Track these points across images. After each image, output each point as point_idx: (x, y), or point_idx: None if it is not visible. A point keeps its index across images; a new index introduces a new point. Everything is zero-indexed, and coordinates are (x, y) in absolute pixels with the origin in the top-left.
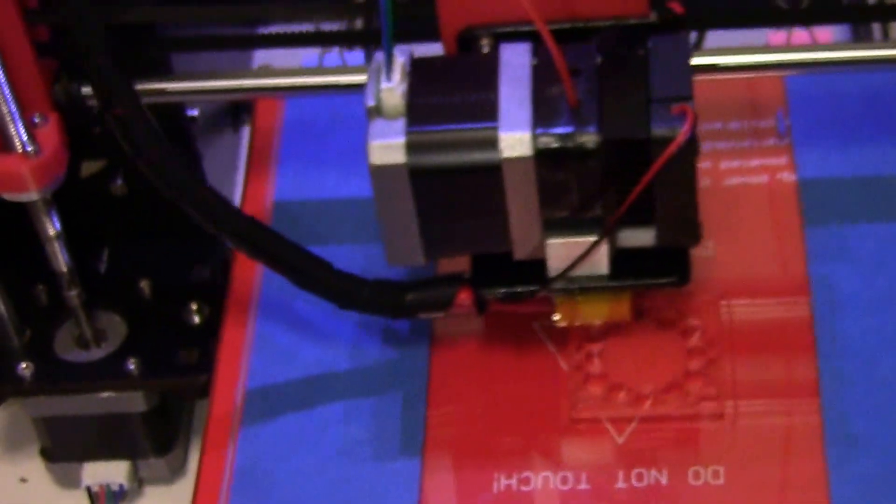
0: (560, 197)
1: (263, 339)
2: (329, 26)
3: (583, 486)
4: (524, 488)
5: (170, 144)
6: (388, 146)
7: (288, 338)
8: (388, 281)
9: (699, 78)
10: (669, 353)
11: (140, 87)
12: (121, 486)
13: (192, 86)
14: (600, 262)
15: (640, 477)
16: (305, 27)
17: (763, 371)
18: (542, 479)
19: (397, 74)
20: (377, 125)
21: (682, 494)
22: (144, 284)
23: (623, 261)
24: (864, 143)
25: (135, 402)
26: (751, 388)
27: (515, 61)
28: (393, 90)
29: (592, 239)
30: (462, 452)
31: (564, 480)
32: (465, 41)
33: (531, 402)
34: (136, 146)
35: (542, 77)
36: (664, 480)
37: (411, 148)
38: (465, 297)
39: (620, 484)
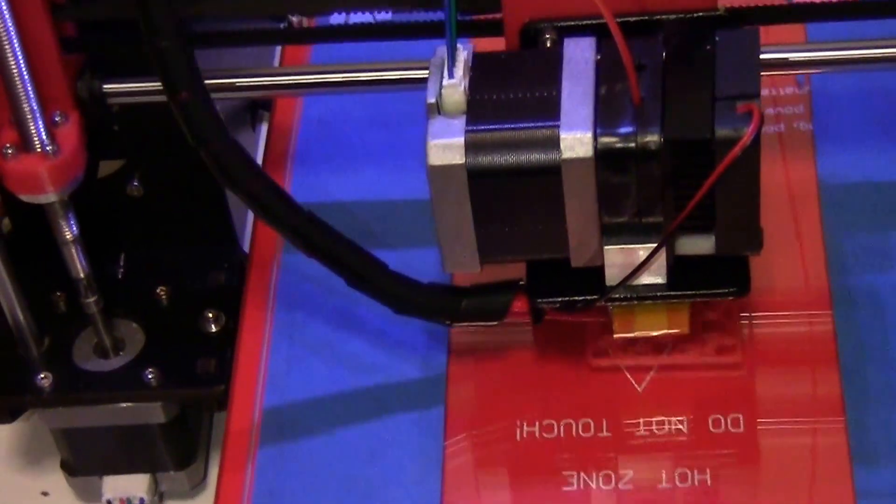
0: (620, 200)
1: (280, 349)
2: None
3: (604, 433)
4: (547, 436)
5: (231, 135)
6: (447, 145)
7: (305, 347)
8: (444, 285)
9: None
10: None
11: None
12: (141, 499)
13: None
14: (659, 270)
15: (660, 425)
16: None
17: (781, 319)
18: (564, 427)
19: (460, 70)
20: (437, 123)
21: (702, 442)
22: (161, 291)
23: (681, 270)
24: (886, 148)
25: (154, 413)
26: (768, 337)
27: (579, 56)
28: (455, 86)
29: (651, 246)
30: (483, 402)
31: (587, 428)
32: (529, 36)
33: (552, 351)
34: (198, 134)
35: (606, 73)
36: (684, 428)
37: (471, 148)
38: (521, 306)
39: (641, 431)
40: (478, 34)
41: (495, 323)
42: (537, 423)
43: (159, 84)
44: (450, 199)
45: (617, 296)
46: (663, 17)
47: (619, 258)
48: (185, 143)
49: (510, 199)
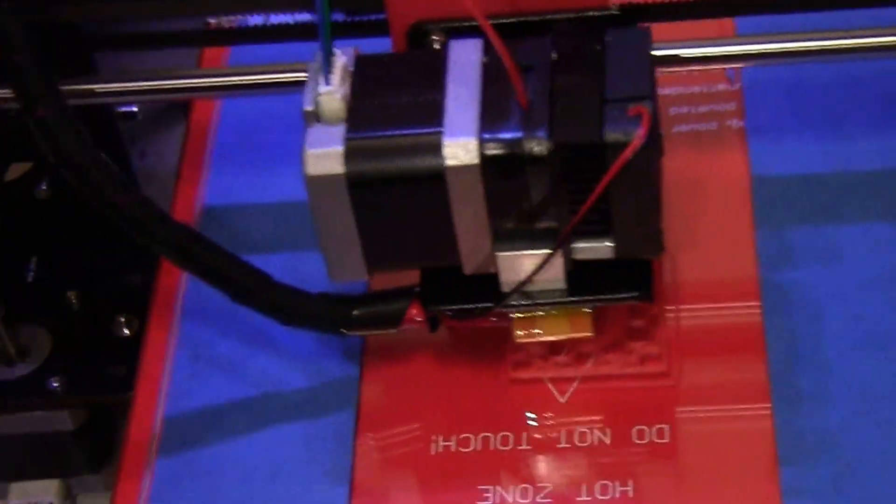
0: (510, 207)
1: (184, 358)
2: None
3: (524, 446)
4: (463, 449)
5: (96, 149)
6: (325, 154)
7: (211, 356)
8: (334, 295)
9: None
10: (612, 311)
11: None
12: (50, 503)
13: (117, 87)
14: (556, 276)
15: (583, 437)
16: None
17: (707, 328)
18: (481, 440)
19: (337, 77)
20: (314, 132)
21: (625, 453)
22: (73, 295)
23: (582, 274)
24: (819, 135)
25: (61, 421)
26: (695, 346)
27: (464, 59)
28: (332, 94)
29: (546, 252)
30: (396, 415)
31: (505, 441)
32: (416, 36)
33: (471, 363)
34: (58, 151)
35: (493, 76)
36: (607, 439)
37: (350, 156)
38: (416, 313)
39: (563, 444)
40: (364, 35)
41: (392, 331)
42: (454, 437)
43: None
44: (331, 209)
45: (514, 303)
46: (554, 16)
47: (513, 264)
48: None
49: (395, 207)
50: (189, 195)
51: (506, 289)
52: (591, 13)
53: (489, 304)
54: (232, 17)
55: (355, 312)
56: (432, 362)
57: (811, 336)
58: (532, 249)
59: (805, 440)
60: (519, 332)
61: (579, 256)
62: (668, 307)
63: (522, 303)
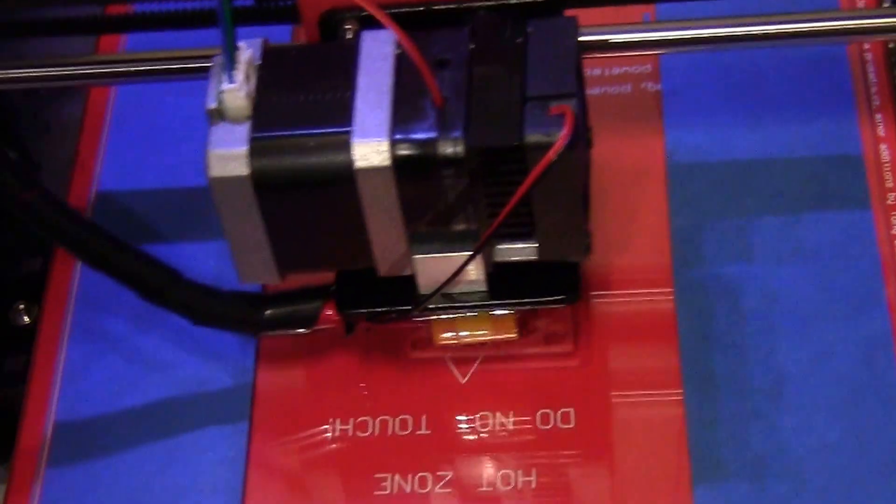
0: (426, 209)
1: (77, 350)
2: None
3: (423, 431)
4: (361, 434)
5: None
6: (229, 155)
7: (105, 346)
8: (246, 294)
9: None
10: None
11: None
12: None
13: (12, 74)
14: (477, 279)
15: (484, 421)
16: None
17: (618, 307)
18: (379, 424)
19: (241, 74)
20: (218, 131)
21: (528, 440)
22: None
23: (505, 275)
24: (734, 113)
25: None
26: (604, 325)
27: (377, 51)
28: (235, 91)
29: (465, 254)
30: (294, 399)
31: (404, 425)
32: (329, 26)
33: (370, 343)
34: None
35: (407, 70)
36: (510, 424)
37: (256, 156)
38: (331, 314)
39: (464, 428)
40: (273, 21)
41: (305, 331)
42: (351, 421)
43: None
44: (237, 211)
45: (432, 306)
46: (473, 4)
47: (430, 267)
48: None
49: (304, 209)
50: (84, 180)
51: (424, 291)
52: (512, 1)
53: (407, 308)
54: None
55: (268, 313)
56: (333, 344)
57: (724, 320)
58: (450, 252)
59: (716, 427)
60: (440, 336)
61: (501, 259)
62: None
63: (442, 305)
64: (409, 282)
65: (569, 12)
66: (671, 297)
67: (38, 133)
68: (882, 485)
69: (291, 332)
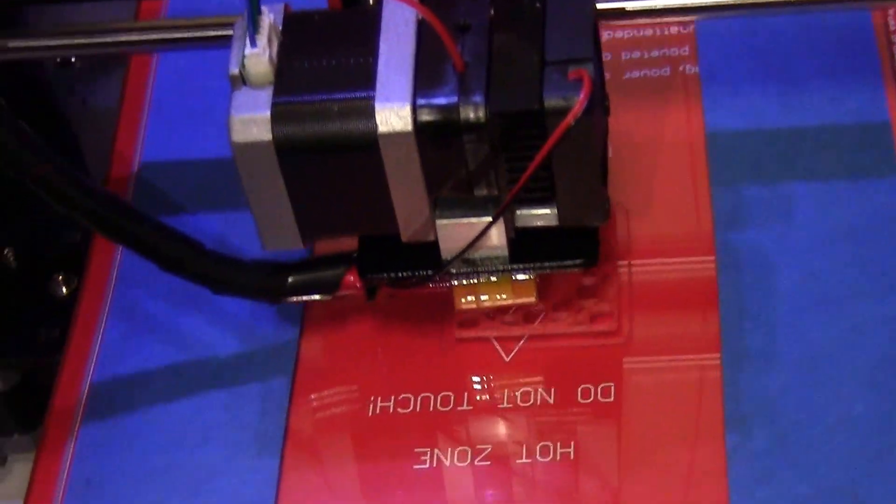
0: (447, 174)
1: (118, 318)
2: None
3: (464, 407)
4: (402, 410)
5: (10, 115)
6: (251, 120)
7: (147, 317)
8: (268, 262)
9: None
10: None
11: None
12: None
13: (41, 43)
14: (498, 244)
15: (525, 396)
16: None
17: (660, 286)
18: (421, 401)
19: (264, 38)
20: (241, 96)
21: (568, 413)
22: (9, 252)
23: (526, 240)
24: (772, 84)
25: None
26: (647, 301)
27: (399, 17)
28: (258, 56)
29: (486, 220)
30: (334, 376)
31: (445, 402)
32: None
33: (416, 322)
34: None
35: (429, 36)
36: (551, 399)
37: (278, 121)
38: (353, 280)
39: (505, 404)
40: None
41: (327, 297)
42: (392, 398)
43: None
44: (260, 176)
45: (454, 271)
46: None
47: (452, 233)
48: (33, 99)
49: (327, 175)
50: (127, 151)
51: (446, 256)
52: None
53: (429, 273)
54: None
55: (290, 280)
56: (377, 322)
57: (763, 293)
58: (472, 217)
59: (750, 399)
60: (461, 300)
61: (522, 224)
62: (620, 262)
63: (464, 270)
64: (431, 247)
65: None
66: (713, 266)
67: (74, 108)
68: None
69: (313, 299)
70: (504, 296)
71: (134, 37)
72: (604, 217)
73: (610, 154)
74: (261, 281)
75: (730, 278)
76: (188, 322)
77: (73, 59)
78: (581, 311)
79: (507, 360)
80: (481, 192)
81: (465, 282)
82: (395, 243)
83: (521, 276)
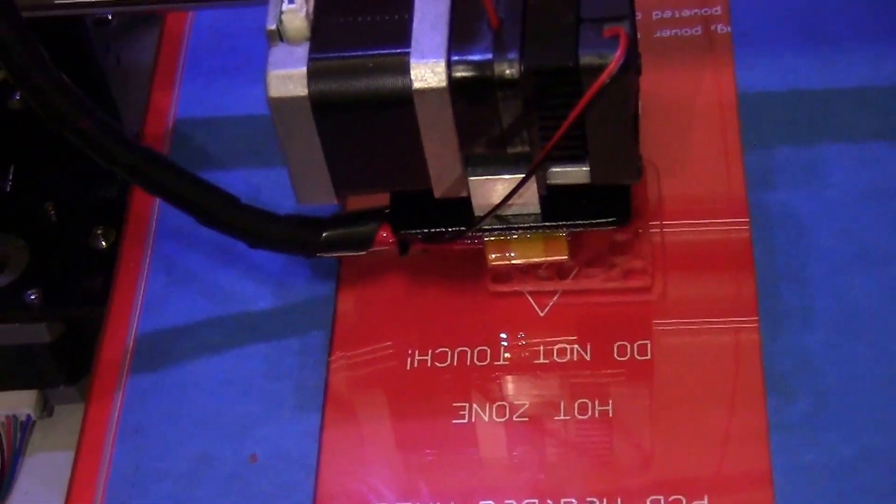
0: (481, 131)
1: (158, 275)
2: None
3: (501, 362)
4: (439, 364)
5: (55, 70)
6: (288, 76)
7: (186, 273)
8: (302, 217)
9: None
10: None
11: None
12: (28, 415)
13: None
14: (530, 201)
15: (562, 352)
16: None
17: (694, 239)
18: (458, 355)
19: None
20: (277, 52)
21: (605, 370)
22: (50, 206)
23: (558, 198)
24: (805, 43)
25: (38, 333)
26: (680, 257)
27: None
28: (295, 12)
29: (519, 176)
30: (372, 330)
31: (482, 356)
32: None
33: (450, 277)
34: (15, 71)
35: None
36: (587, 355)
37: (314, 77)
38: (386, 235)
39: (541, 360)
40: None
41: (361, 252)
42: (430, 352)
43: None
44: (295, 131)
45: (486, 227)
46: None
47: (485, 189)
48: (69, 57)
49: (361, 131)
50: (162, 107)
51: (478, 213)
52: None
53: (461, 228)
54: None
55: (324, 234)
56: (411, 277)
57: (799, 253)
58: (505, 174)
59: (790, 360)
60: (493, 255)
61: (554, 181)
62: (652, 223)
63: (496, 227)
64: (463, 203)
65: None
66: (747, 227)
67: (110, 64)
68: None
69: (347, 254)
70: (536, 253)
71: None
72: (637, 176)
73: (640, 113)
74: (296, 235)
75: (765, 235)
76: (227, 275)
77: (109, 17)
78: (614, 267)
79: (542, 314)
80: (514, 149)
81: (497, 238)
82: (427, 199)
83: (555, 233)
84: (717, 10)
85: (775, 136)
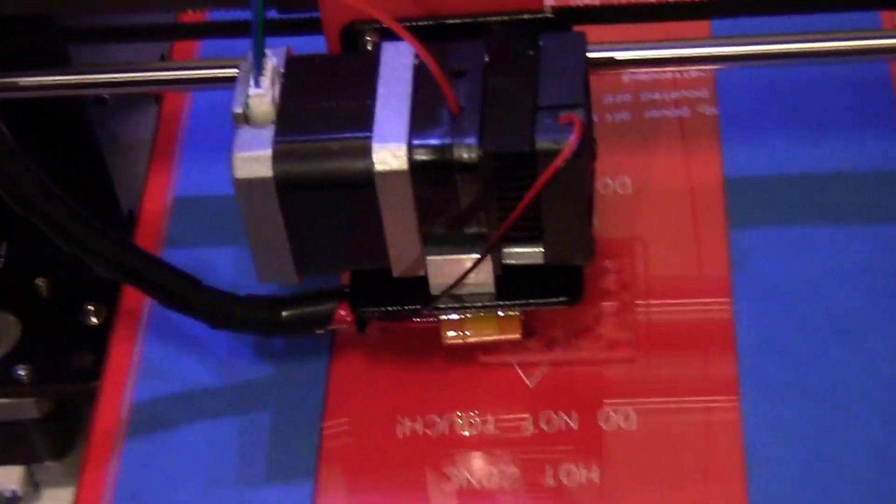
0: (440, 212)
1: (154, 344)
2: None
3: (490, 429)
4: (429, 432)
5: (21, 154)
6: (253, 157)
7: (180, 342)
8: (262, 297)
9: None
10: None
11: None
12: (13, 491)
13: (85, 79)
14: (486, 280)
15: (549, 421)
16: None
17: (678, 315)
18: (447, 423)
19: (267, 79)
20: (243, 134)
21: (592, 438)
22: (41, 282)
23: (512, 277)
24: (790, 135)
25: (27, 409)
26: (665, 332)
27: (396, 62)
28: (262, 96)
29: (475, 257)
30: (364, 398)
31: (472, 424)
32: (350, 37)
33: (439, 347)
34: None
35: (425, 80)
36: (574, 425)
37: (279, 159)
38: (345, 314)
39: (529, 428)
40: (297, 33)
41: (320, 331)
42: (420, 419)
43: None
44: (260, 212)
45: (442, 306)
46: (488, 19)
47: (442, 268)
48: (64, 134)
49: (324, 211)
50: (160, 186)
51: (435, 291)
52: (525, 16)
53: (418, 307)
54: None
55: (284, 314)
56: (402, 348)
57: (781, 331)
58: (462, 254)
59: (773, 434)
60: (448, 334)
61: (509, 262)
62: (638, 301)
63: (451, 305)
64: (421, 282)
65: (577, 28)
66: (729, 308)
67: (105, 144)
68: None
69: (306, 333)
70: (490, 331)
71: (171, 75)
72: (589, 256)
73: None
74: (256, 315)
75: (748, 314)
76: (220, 346)
77: (106, 97)
78: (601, 338)
79: (531, 385)
80: (471, 229)
81: (452, 317)
82: (386, 278)
83: (506, 313)
84: (703, 93)
85: (759, 214)
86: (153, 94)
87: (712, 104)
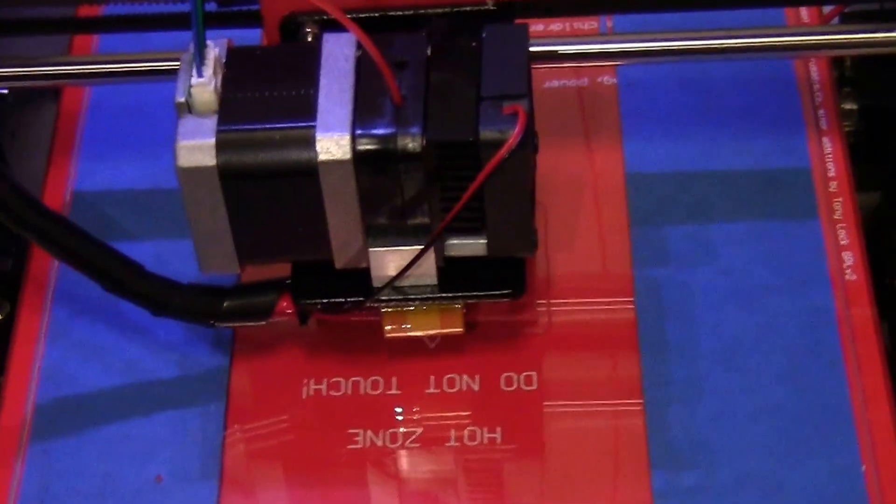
0: (383, 203)
1: (56, 344)
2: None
3: (393, 391)
4: (334, 393)
5: None
6: (196, 147)
7: (83, 341)
8: (205, 286)
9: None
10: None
11: None
12: None
13: None
14: (428, 272)
15: (451, 383)
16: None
17: (579, 273)
18: (351, 385)
19: (210, 69)
20: (186, 123)
21: (493, 399)
22: None
23: (455, 270)
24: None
25: None
26: (566, 292)
27: (338, 53)
28: (204, 86)
29: (418, 248)
30: (270, 363)
31: (375, 385)
32: (290, 29)
33: (344, 347)
34: None
35: (367, 71)
36: (476, 386)
37: (222, 148)
38: (286, 305)
39: (431, 389)
40: (236, 25)
41: (261, 322)
42: (325, 381)
43: None
44: (202, 201)
45: (385, 298)
46: (430, 11)
47: (384, 260)
48: None
49: (267, 201)
50: (59, 181)
51: (377, 284)
52: (467, 8)
53: (359, 299)
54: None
55: (226, 304)
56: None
57: (683, 327)
58: (404, 246)
59: (676, 438)
60: (389, 327)
61: (452, 253)
62: (539, 301)
63: (393, 298)
64: (363, 275)
65: (519, 21)
66: (632, 306)
67: (5, 140)
68: (820, 443)
69: (247, 323)
70: (431, 325)
71: (73, 69)
72: (532, 248)
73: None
74: (198, 304)
75: (649, 319)
76: (124, 346)
77: (5, 94)
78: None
79: (432, 347)
80: (414, 220)
81: (393, 309)
82: (328, 270)
83: (454, 304)
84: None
85: (661, 207)
86: (52, 90)
87: (612, 75)
